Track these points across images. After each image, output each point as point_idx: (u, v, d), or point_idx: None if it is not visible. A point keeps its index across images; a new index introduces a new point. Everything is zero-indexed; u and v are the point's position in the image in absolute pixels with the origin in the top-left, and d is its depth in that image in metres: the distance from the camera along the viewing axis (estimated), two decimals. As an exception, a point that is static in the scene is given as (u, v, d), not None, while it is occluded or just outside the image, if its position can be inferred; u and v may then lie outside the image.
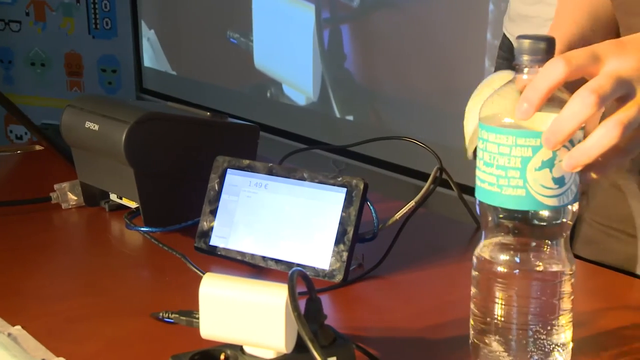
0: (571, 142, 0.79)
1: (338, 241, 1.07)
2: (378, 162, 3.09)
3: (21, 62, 4.27)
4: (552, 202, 0.79)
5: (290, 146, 2.59)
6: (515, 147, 0.79)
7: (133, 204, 1.30)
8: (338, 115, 3.30)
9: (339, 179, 1.09)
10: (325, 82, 3.40)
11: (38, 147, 1.69)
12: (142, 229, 1.24)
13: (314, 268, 1.08)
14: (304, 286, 0.81)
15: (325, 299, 1.02)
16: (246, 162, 1.17)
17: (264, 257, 1.12)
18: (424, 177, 2.79)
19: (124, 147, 1.20)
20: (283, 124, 3.59)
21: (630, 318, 0.99)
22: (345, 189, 1.08)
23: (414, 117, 3.06)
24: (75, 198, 1.36)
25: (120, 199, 1.33)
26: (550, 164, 0.79)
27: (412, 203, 1.13)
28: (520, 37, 0.80)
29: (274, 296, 0.78)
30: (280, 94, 3.69)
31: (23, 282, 1.10)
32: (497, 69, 2.15)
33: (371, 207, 1.13)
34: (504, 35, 2.10)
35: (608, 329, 0.97)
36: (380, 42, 3.19)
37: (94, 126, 1.26)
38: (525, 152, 0.79)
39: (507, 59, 2.07)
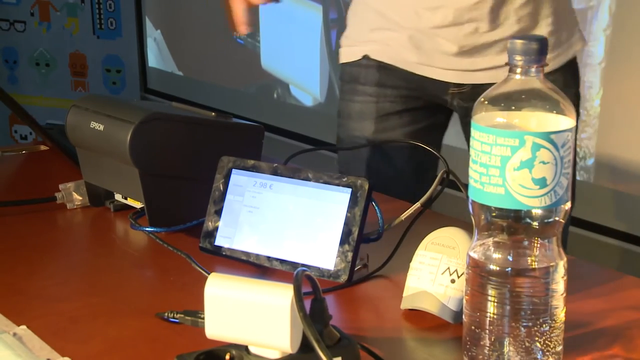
0: (555, 146, 0.79)
1: (343, 241, 1.07)
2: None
3: (26, 62, 4.27)
4: (533, 202, 0.80)
5: (295, 147, 2.59)
6: (496, 146, 0.80)
7: (138, 204, 1.30)
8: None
9: (344, 179, 1.09)
10: (333, 83, 3.40)
11: (43, 147, 1.69)
12: (147, 229, 1.24)
13: (319, 268, 1.08)
14: (309, 286, 0.81)
15: (330, 299, 1.02)
16: (251, 162, 1.17)
17: (268, 258, 1.12)
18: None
19: (129, 147, 1.20)
20: (289, 124, 3.59)
21: (630, 318, 0.99)
22: (350, 189, 1.08)
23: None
24: (80, 198, 1.36)
25: (125, 199, 1.33)
26: (529, 164, 0.79)
27: (417, 204, 1.13)
28: (512, 37, 0.81)
29: (280, 296, 0.78)
30: (287, 94, 3.69)
31: (28, 282, 1.10)
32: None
33: (376, 208, 1.12)
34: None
35: (608, 329, 0.97)
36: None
37: (99, 126, 1.26)
38: (504, 152, 0.79)
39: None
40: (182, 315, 0.96)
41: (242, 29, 1.33)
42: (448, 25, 1.49)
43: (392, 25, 1.56)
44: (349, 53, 1.67)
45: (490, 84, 1.53)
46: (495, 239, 0.83)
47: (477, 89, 1.56)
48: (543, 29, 1.52)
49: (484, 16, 1.47)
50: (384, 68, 1.60)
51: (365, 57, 1.62)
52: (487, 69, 1.53)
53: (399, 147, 1.61)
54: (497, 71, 1.53)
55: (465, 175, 1.27)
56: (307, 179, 1.12)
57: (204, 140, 1.27)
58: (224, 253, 1.15)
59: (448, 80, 1.57)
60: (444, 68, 1.56)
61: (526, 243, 0.83)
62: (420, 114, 1.63)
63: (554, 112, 0.81)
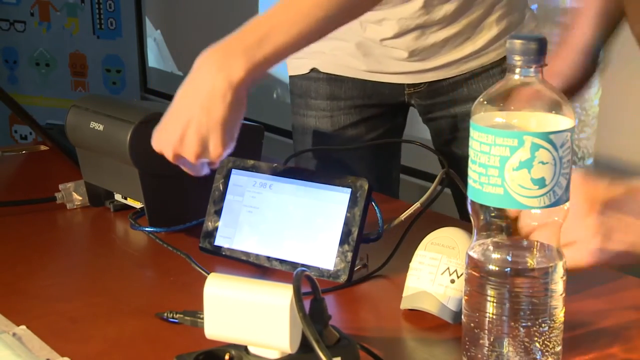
0: (554, 146, 0.79)
1: (342, 241, 1.07)
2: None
3: (26, 62, 4.27)
4: (531, 202, 0.80)
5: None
6: (495, 146, 0.80)
7: (138, 204, 1.30)
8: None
9: (344, 180, 1.09)
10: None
11: (43, 147, 1.69)
12: (147, 229, 1.24)
13: (319, 268, 1.08)
14: (309, 286, 0.81)
15: (329, 299, 1.02)
16: (251, 162, 1.17)
17: (268, 258, 1.12)
18: (429, 177, 2.78)
19: (129, 147, 1.20)
20: (289, 124, 3.58)
21: (630, 318, 0.99)
22: (349, 190, 1.08)
23: (420, 119, 3.05)
24: (80, 198, 1.37)
25: (125, 199, 1.33)
26: (528, 164, 0.79)
27: (417, 205, 1.13)
28: (511, 37, 0.81)
29: (279, 296, 0.78)
30: (287, 94, 3.68)
31: (28, 281, 1.10)
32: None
33: (376, 208, 1.13)
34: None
35: (608, 329, 0.97)
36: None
37: (99, 126, 1.26)
38: (503, 152, 0.79)
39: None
40: (181, 316, 0.96)
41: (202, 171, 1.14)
42: (396, 37, 1.46)
43: (337, 33, 1.44)
44: (295, 66, 1.60)
45: (447, 79, 1.53)
46: (495, 239, 0.83)
47: (434, 86, 1.53)
48: (495, 15, 1.48)
49: (429, 21, 1.44)
50: (334, 80, 1.54)
51: (314, 69, 1.56)
52: (442, 67, 1.50)
53: (359, 158, 1.57)
54: (452, 67, 1.50)
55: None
56: (307, 179, 1.12)
57: (203, 141, 1.27)
58: (223, 253, 1.15)
59: (402, 82, 1.53)
60: (396, 72, 1.51)
61: (525, 243, 0.83)
62: (377, 121, 1.58)
63: (553, 112, 0.81)
